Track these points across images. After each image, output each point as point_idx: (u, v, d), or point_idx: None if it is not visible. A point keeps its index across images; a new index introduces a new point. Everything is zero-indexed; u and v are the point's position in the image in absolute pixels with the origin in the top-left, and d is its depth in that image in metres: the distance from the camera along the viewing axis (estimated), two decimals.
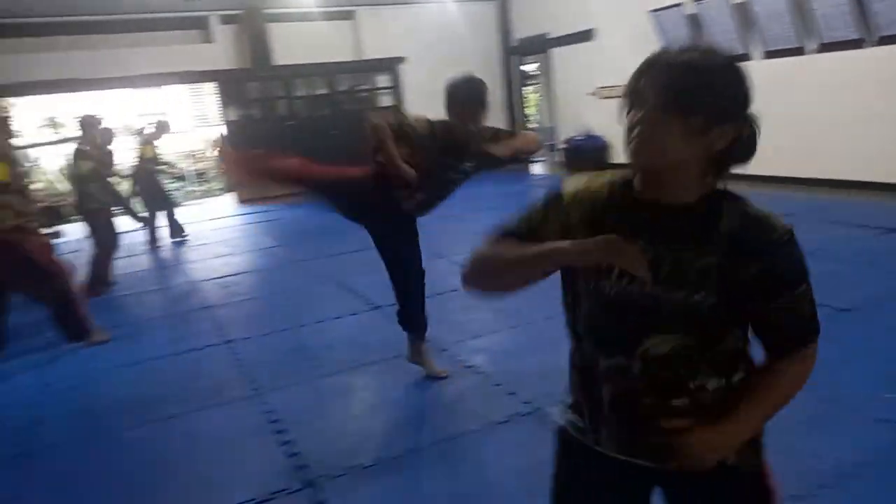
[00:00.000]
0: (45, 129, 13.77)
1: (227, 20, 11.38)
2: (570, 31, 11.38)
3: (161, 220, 8.03)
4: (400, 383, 3.57)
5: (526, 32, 12.82)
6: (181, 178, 12.81)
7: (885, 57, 6.92)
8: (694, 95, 1.07)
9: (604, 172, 1.29)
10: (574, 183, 1.27)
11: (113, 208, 6.42)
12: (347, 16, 12.22)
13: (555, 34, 11.85)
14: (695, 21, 8.77)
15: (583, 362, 1.31)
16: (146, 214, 8.06)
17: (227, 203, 11.67)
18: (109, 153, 6.96)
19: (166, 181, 8.72)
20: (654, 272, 1.10)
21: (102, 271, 5.98)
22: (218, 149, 5.10)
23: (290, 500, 2.59)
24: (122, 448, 3.16)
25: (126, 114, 13.96)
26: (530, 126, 14.53)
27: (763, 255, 1.10)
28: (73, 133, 14.35)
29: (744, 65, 1.13)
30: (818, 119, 7.69)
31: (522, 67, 14.11)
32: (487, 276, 1.27)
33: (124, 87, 11.30)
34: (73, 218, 9.78)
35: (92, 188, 5.90)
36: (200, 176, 13.45)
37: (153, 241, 7.96)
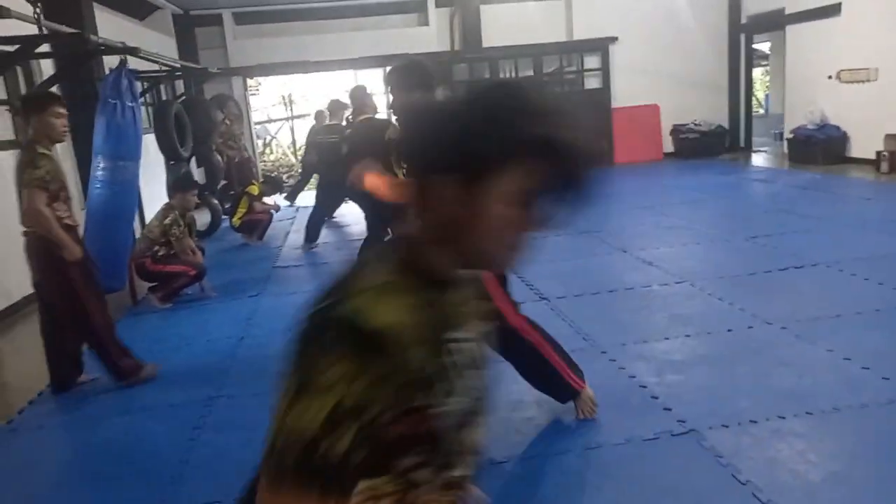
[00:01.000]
0: (279, 107, 15.35)
1: (442, 3, 11.73)
2: (811, 6, 10.02)
3: None
4: None
5: (759, 7, 11.55)
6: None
7: None
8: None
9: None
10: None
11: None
12: None
13: (793, 9, 10.51)
14: None
15: None
16: None
17: None
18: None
19: None
20: None
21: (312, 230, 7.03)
22: None
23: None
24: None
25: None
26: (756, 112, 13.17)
27: None
28: (305, 111, 15.87)
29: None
30: None
31: (755, 46, 12.78)
32: None
33: (347, 68, 12.17)
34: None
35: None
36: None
37: None
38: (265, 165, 13.81)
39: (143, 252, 5.33)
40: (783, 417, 2.84)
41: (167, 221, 5.33)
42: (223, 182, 9.37)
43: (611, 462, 2.64)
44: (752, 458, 2.56)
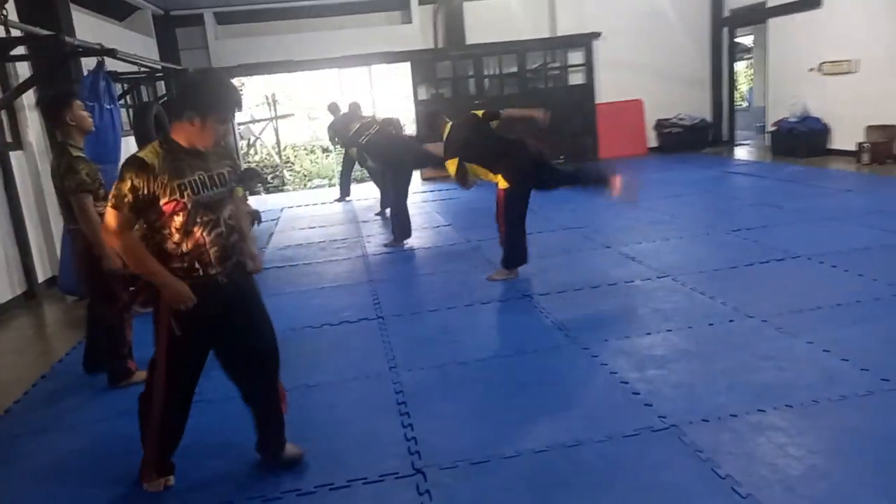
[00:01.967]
0: (263, 107, 15.23)
1: (425, 1, 11.69)
2: None
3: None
4: (532, 379, 3.42)
5: (740, 1, 11.61)
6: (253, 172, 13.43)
7: None
8: None
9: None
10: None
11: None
12: None
13: (774, 2, 10.57)
14: None
15: None
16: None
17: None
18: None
19: None
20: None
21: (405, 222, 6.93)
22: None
23: (396, 485, 2.59)
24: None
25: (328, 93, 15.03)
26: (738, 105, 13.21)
27: None
28: (290, 111, 15.79)
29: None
30: None
31: (737, 40, 12.82)
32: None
33: (331, 67, 12.10)
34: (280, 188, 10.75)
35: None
36: (274, 169, 13.99)
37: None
38: (250, 167, 13.73)
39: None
40: (763, 411, 2.85)
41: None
42: None
43: (592, 459, 2.63)
44: (732, 453, 2.56)
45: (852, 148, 9.08)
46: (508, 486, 2.52)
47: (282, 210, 9.90)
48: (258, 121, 14.99)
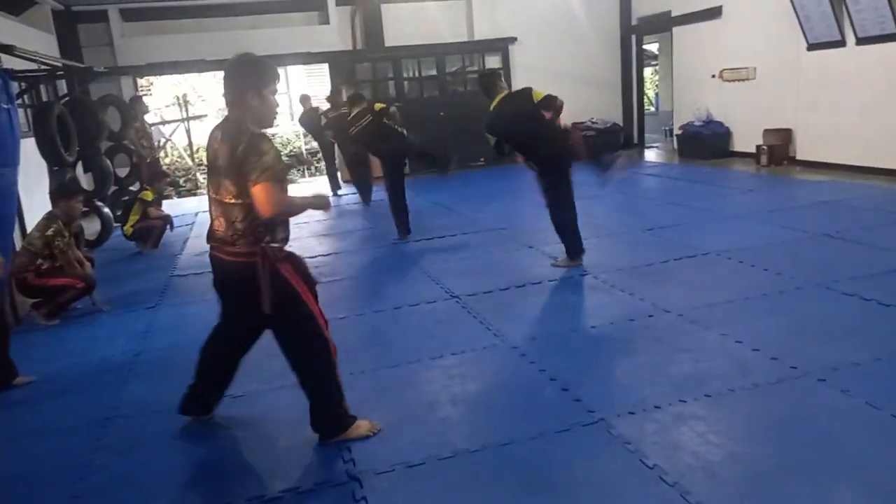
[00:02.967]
0: (174, 108, 14.66)
1: (342, 2, 11.57)
2: (695, 9, 10.61)
3: None
4: (464, 379, 3.44)
5: (647, 10, 12.12)
6: (298, 157, 13.34)
7: None
8: None
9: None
10: None
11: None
12: None
13: (678, 12, 11.10)
14: None
15: None
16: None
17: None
18: None
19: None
20: None
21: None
22: None
23: (331, 494, 2.54)
24: (173, 448, 3.23)
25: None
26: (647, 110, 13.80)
27: None
28: (202, 112, 15.28)
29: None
30: None
31: (644, 47, 13.38)
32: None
33: None
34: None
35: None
36: (314, 155, 13.88)
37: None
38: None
39: (24, 266, 4.93)
40: (684, 401, 2.98)
41: (50, 232, 4.94)
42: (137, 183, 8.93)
43: (524, 457, 2.67)
44: (658, 443, 2.66)
45: (752, 150, 9.66)
46: (445, 487, 2.53)
47: (196, 215, 9.55)
48: (168, 122, 14.38)
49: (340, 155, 10.34)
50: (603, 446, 2.70)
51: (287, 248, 2.80)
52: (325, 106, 10.07)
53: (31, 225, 5.78)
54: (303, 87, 15.08)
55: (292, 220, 2.84)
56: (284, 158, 2.73)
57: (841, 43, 8.14)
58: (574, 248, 5.26)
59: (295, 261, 2.83)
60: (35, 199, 7.09)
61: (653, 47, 15.89)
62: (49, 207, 5.41)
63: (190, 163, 13.92)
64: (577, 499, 2.39)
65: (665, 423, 2.81)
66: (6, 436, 3.28)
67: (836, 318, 3.79)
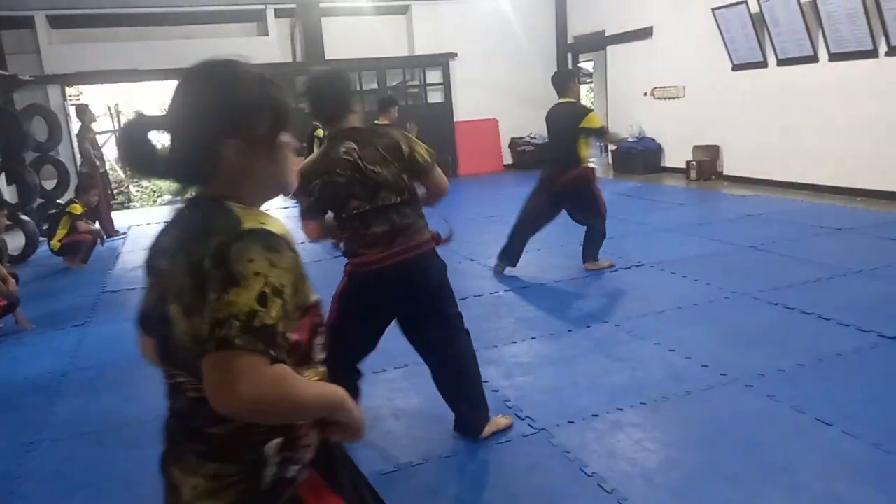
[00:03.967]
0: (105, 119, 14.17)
1: (282, 14, 11.47)
2: (627, 29, 10.99)
3: None
4: (407, 393, 3.44)
5: (582, 29, 12.47)
6: None
7: None
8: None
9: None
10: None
11: None
12: (401, 11, 12.16)
13: (611, 31, 11.47)
14: (760, 19, 8.30)
15: None
16: None
17: None
18: None
19: None
20: None
21: None
22: None
23: None
24: (104, 472, 3.12)
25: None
26: None
27: None
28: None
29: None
30: (889, 126, 7.14)
31: (579, 65, 13.74)
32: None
33: (179, 78, 11.48)
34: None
35: None
36: None
37: None
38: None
39: None
40: (621, 409, 3.06)
41: None
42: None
43: (467, 469, 2.69)
44: (596, 451, 2.73)
45: (682, 165, 10.03)
46: (387, 500, 2.51)
47: (128, 228, 9.25)
48: (99, 133, 13.89)
49: None
50: (544, 456, 2.74)
51: None
52: None
53: None
54: None
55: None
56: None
57: (763, 64, 8.58)
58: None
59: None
60: None
61: (588, 65, 16.35)
62: None
63: (122, 175, 13.47)
64: None
65: (603, 431, 2.88)
66: None
67: (762, 327, 3.97)
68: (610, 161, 12.01)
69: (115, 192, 12.33)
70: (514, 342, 4.02)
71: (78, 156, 9.31)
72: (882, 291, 4.39)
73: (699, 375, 3.36)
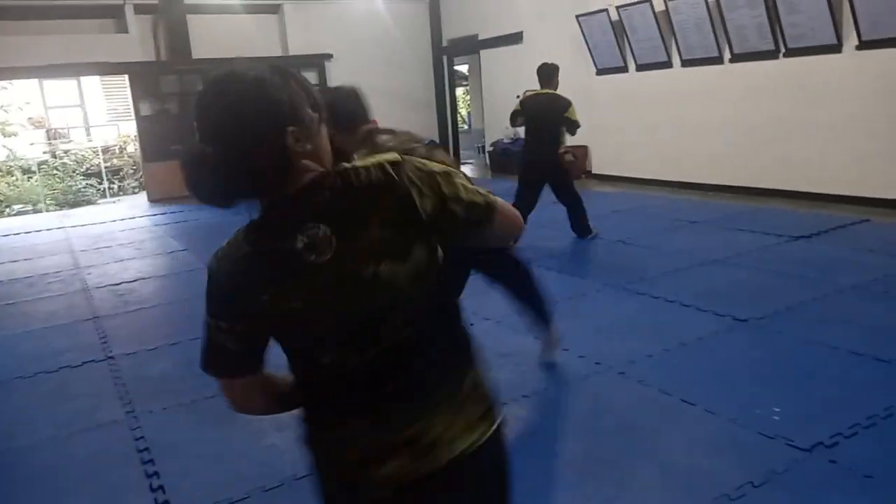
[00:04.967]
0: None
1: (142, 10, 10.82)
2: (498, 34, 11.30)
3: None
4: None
5: (456, 33, 12.70)
6: (97, 175, 12.22)
7: (795, 68, 7.08)
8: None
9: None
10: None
11: None
12: (273, 10, 11.84)
13: (484, 36, 11.76)
14: (620, 27, 8.81)
15: None
16: None
17: (139, 202, 11.13)
18: None
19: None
20: None
21: None
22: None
23: None
24: None
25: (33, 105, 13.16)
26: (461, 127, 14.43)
27: None
28: None
29: None
30: (736, 126, 7.82)
31: (455, 68, 13.98)
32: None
33: (34, 76, 10.60)
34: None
35: None
36: (115, 173, 12.81)
37: None
38: None
39: None
40: (505, 403, 3.12)
41: None
42: None
43: None
44: None
45: None
46: None
47: None
48: None
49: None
50: None
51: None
52: None
53: None
54: (100, 101, 13.85)
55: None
56: None
57: (624, 69, 9.13)
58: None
59: None
60: None
61: (463, 68, 16.68)
62: None
63: None
64: None
65: None
66: None
67: (631, 316, 4.22)
68: (487, 162, 12.31)
69: None
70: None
71: None
72: (733, 278, 4.80)
73: (576, 366, 3.52)
